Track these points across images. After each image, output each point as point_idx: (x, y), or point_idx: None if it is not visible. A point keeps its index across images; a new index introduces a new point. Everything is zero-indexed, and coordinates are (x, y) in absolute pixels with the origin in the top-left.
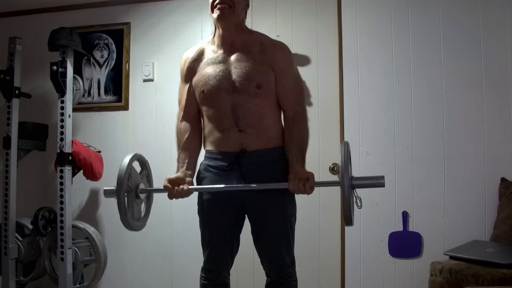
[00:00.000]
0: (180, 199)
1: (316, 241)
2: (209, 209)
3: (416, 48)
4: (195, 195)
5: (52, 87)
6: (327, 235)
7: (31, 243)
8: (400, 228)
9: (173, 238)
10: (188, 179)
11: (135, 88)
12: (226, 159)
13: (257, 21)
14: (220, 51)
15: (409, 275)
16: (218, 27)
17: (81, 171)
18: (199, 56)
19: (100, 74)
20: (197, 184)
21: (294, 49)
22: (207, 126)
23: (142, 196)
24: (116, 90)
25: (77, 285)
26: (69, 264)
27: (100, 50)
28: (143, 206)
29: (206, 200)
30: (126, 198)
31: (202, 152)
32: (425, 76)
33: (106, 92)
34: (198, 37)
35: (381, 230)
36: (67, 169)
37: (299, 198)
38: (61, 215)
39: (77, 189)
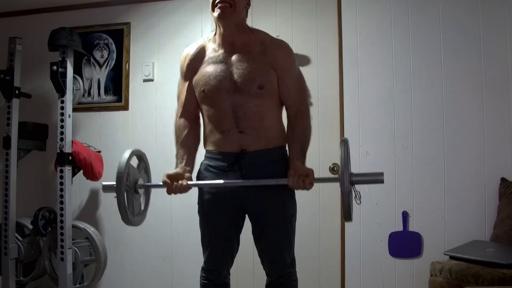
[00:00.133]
0: (179, 196)
1: (316, 241)
2: (209, 209)
3: (416, 48)
4: (194, 193)
5: (52, 87)
6: (327, 235)
7: (31, 243)
8: (400, 228)
9: (173, 238)
10: (187, 174)
11: (135, 88)
12: (226, 159)
13: (257, 21)
14: (221, 50)
15: (409, 275)
16: (219, 26)
17: (81, 171)
18: (200, 53)
19: (100, 74)
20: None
21: (294, 49)
22: (207, 126)
23: (141, 191)
24: (116, 90)
25: (77, 285)
26: (69, 264)
27: (100, 50)
28: (142, 200)
29: (207, 200)
30: (125, 195)
31: (202, 152)
32: (425, 76)
33: (106, 92)
34: (198, 37)
35: (381, 230)
36: (67, 169)
37: (299, 198)
38: (61, 215)
39: (77, 189)
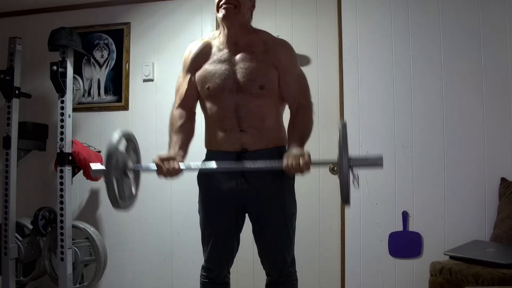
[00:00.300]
0: (179, 196)
1: (316, 241)
2: (209, 207)
3: (416, 48)
4: (195, 193)
5: (52, 87)
6: (327, 235)
7: (31, 243)
8: (400, 228)
9: (173, 238)
10: (179, 158)
11: (135, 88)
12: (227, 158)
13: (257, 21)
14: (225, 50)
15: (409, 275)
16: (223, 26)
17: (81, 171)
18: (205, 50)
19: (100, 74)
20: (199, 183)
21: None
22: (209, 125)
23: (131, 174)
24: (116, 90)
25: (77, 285)
26: (69, 264)
27: (100, 50)
28: (132, 182)
29: (207, 199)
30: (115, 180)
31: (202, 152)
32: (425, 76)
33: (106, 92)
34: (198, 37)
35: (381, 230)
36: (67, 169)
37: (299, 198)
38: (61, 215)
39: (77, 189)
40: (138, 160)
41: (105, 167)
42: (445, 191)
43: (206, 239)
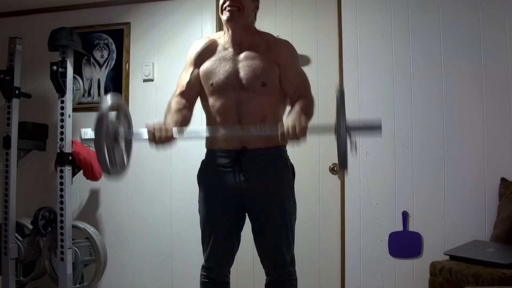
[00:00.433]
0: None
1: (316, 241)
2: (209, 207)
3: (416, 48)
4: (195, 193)
5: (52, 87)
6: (327, 235)
7: (31, 243)
8: (400, 228)
9: (173, 238)
10: (173, 126)
11: (135, 88)
12: (227, 156)
13: (257, 21)
14: (230, 49)
15: (409, 275)
16: (228, 28)
17: (81, 171)
18: (210, 46)
19: (100, 74)
20: (199, 183)
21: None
22: (209, 123)
23: (122, 141)
24: (116, 90)
25: (77, 285)
26: (69, 264)
27: (100, 50)
28: (123, 149)
29: (207, 198)
30: (105, 147)
31: (202, 151)
32: (425, 76)
33: (106, 92)
34: (198, 37)
35: (381, 230)
36: (67, 169)
37: (300, 198)
38: (61, 215)
39: (77, 189)
40: (129, 128)
41: (95, 132)
42: (445, 191)
43: (206, 238)
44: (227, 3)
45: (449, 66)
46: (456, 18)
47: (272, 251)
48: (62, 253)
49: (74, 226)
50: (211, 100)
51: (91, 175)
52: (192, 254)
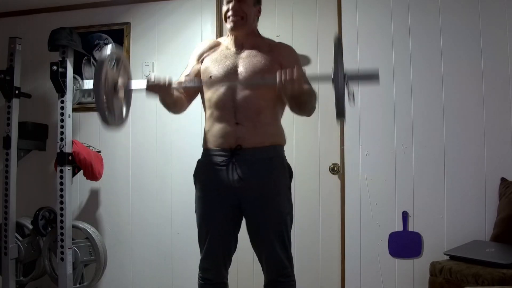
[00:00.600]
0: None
1: (316, 241)
2: (205, 206)
3: (416, 48)
4: (194, 194)
5: (52, 87)
6: (327, 235)
7: (31, 243)
8: (400, 228)
9: (173, 238)
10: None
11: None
12: (222, 155)
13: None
14: (233, 49)
15: (409, 275)
16: (231, 34)
17: (81, 171)
18: (213, 46)
19: None
20: (195, 182)
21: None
22: (207, 119)
23: (121, 91)
24: None
25: (77, 285)
26: (69, 264)
27: (100, 50)
28: (123, 101)
29: (202, 198)
30: (104, 97)
31: (199, 150)
32: (425, 76)
33: None
34: (198, 37)
35: (381, 230)
36: (67, 169)
37: (300, 198)
38: (61, 215)
39: (77, 189)
40: (129, 80)
41: (94, 78)
42: (445, 191)
43: (202, 238)
44: (230, 12)
45: (449, 66)
46: (456, 18)
47: (268, 253)
48: (62, 253)
49: (74, 226)
50: (208, 94)
51: (91, 175)
52: (192, 254)
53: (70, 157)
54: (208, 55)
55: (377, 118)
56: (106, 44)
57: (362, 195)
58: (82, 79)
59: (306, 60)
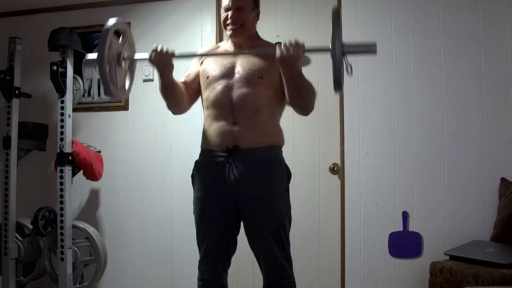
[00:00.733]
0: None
1: (316, 241)
2: (203, 207)
3: (416, 48)
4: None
5: (52, 87)
6: (327, 235)
7: (31, 243)
8: (400, 228)
9: (173, 238)
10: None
11: (135, 88)
12: (219, 155)
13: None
14: (231, 50)
15: (409, 275)
16: (231, 39)
17: (81, 171)
18: (213, 49)
19: None
20: (192, 183)
21: None
22: (205, 119)
23: (124, 63)
24: None
25: (77, 285)
26: (69, 264)
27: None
28: (126, 74)
29: (200, 199)
30: (108, 68)
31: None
32: (425, 76)
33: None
34: (198, 37)
35: (381, 230)
36: (67, 169)
37: (300, 198)
38: (61, 215)
39: (77, 189)
40: (132, 53)
41: (99, 49)
42: (445, 191)
43: (200, 238)
44: (229, 20)
45: (449, 66)
46: (456, 18)
47: (265, 253)
48: (62, 253)
49: (74, 226)
50: (206, 93)
51: (91, 175)
52: (192, 254)
53: (70, 157)
54: (209, 56)
55: (377, 118)
56: None
57: (362, 195)
58: (82, 79)
59: (306, 60)
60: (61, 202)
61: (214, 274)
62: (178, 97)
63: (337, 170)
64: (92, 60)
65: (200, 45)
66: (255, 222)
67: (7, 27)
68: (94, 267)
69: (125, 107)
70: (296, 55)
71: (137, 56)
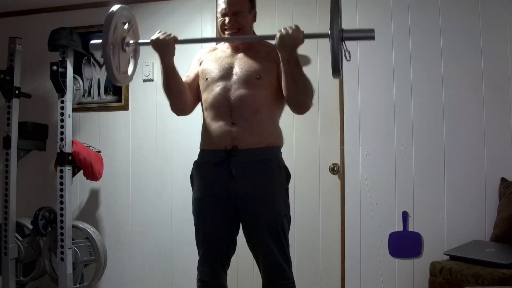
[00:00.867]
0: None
1: (316, 241)
2: (202, 208)
3: (416, 48)
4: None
5: (52, 87)
6: (327, 235)
7: (31, 243)
8: (400, 228)
9: (173, 238)
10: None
11: (135, 88)
12: (217, 156)
13: (257, 21)
14: (229, 51)
15: (409, 275)
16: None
17: (81, 171)
18: (211, 51)
19: (100, 74)
20: (191, 183)
21: None
22: (204, 120)
23: (128, 49)
24: (116, 90)
25: (77, 285)
26: (69, 264)
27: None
28: (130, 60)
29: (199, 199)
30: (112, 51)
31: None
32: (425, 76)
33: (106, 92)
34: (198, 37)
35: (381, 230)
36: (67, 169)
37: (300, 198)
38: (61, 215)
39: (77, 189)
40: (136, 40)
41: (103, 33)
42: (445, 191)
43: (199, 239)
44: (227, 26)
45: (449, 66)
46: (456, 19)
47: (264, 254)
48: (62, 253)
49: (74, 226)
50: (205, 94)
51: (91, 175)
52: (192, 254)
53: (70, 157)
54: (206, 58)
55: (377, 118)
56: None
57: (362, 195)
58: (82, 79)
59: (306, 60)
60: (61, 202)
61: (213, 275)
62: (180, 90)
63: (337, 170)
64: (97, 44)
65: (200, 45)
66: (254, 223)
67: (7, 27)
68: (94, 267)
69: (125, 107)
70: (295, 35)
71: (141, 40)
